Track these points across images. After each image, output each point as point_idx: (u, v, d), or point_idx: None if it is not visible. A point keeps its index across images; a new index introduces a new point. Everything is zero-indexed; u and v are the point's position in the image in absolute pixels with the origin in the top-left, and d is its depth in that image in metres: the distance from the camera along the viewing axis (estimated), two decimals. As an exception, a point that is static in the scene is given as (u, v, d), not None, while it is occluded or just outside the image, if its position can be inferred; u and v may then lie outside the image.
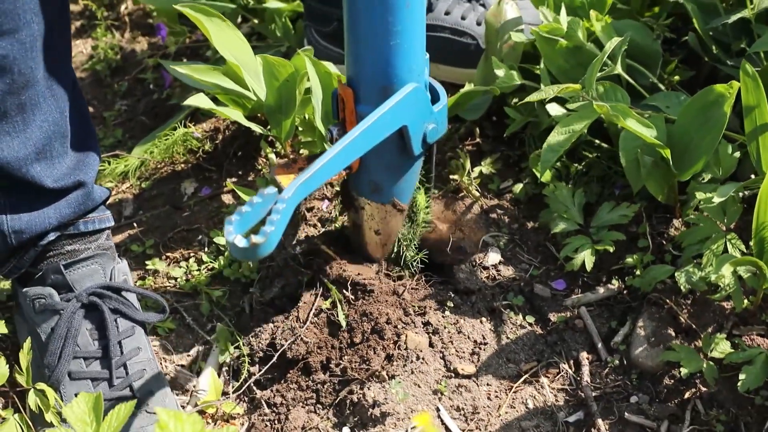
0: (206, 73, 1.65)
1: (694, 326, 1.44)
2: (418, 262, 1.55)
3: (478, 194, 1.69)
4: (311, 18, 1.91)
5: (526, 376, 1.45)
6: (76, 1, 2.46)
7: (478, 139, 1.79)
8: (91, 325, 1.42)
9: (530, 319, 1.53)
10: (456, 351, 1.46)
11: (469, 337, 1.48)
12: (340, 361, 1.44)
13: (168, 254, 1.69)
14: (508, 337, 1.50)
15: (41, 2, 1.24)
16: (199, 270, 1.65)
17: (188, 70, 1.64)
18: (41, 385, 1.33)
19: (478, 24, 1.85)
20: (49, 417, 1.33)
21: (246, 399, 1.47)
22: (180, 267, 1.66)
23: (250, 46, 1.66)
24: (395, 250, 1.53)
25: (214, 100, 1.70)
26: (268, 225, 1.07)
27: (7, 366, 1.37)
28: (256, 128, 1.70)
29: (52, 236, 1.42)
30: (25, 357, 1.37)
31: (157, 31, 2.20)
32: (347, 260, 1.52)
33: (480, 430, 1.39)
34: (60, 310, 1.42)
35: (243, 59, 1.65)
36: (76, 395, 1.32)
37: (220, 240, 1.66)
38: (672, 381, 1.42)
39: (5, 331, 1.52)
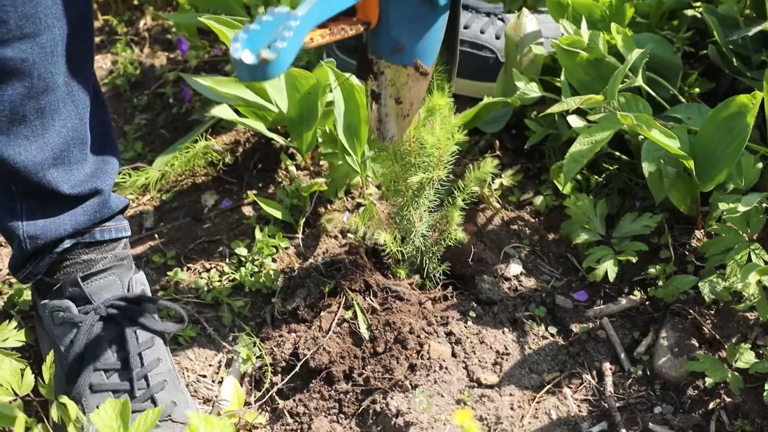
0: (228, 86, 1.67)
1: (717, 336, 1.44)
2: (440, 273, 1.55)
3: (498, 206, 1.69)
4: (330, 32, 1.92)
5: (549, 386, 1.45)
6: (96, 17, 2.48)
7: (498, 152, 1.80)
8: (111, 337, 1.42)
9: (552, 329, 1.53)
10: (479, 361, 1.46)
11: (491, 348, 1.48)
12: (363, 371, 1.44)
13: (189, 265, 1.70)
14: (530, 348, 1.49)
15: (64, 7, 1.24)
16: (220, 281, 1.65)
17: (211, 83, 1.65)
18: (63, 398, 1.33)
19: (497, 38, 1.87)
20: (71, 430, 1.33)
21: (268, 409, 1.47)
22: (201, 278, 1.66)
23: (272, 58, 1.67)
24: (418, 261, 1.53)
25: (236, 112, 1.71)
26: (279, 41, 0.97)
27: (33, 375, 1.38)
28: (278, 139, 1.71)
29: (67, 243, 1.41)
30: (47, 370, 1.37)
31: (177, 45, 2.22)
32: (373, 268, 1.53)
33: (504, 440, 1.39)
34: (79, 322, 1.41)
35: (265, 71, 1.66)
36: (98, 407, 1.32)
37: (241, 251, 1.67)
38: (696, 391, 1.41)
39: (28, 339, 1.53)
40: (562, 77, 1.64)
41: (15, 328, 1.51)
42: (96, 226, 1.44)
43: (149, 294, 1.50)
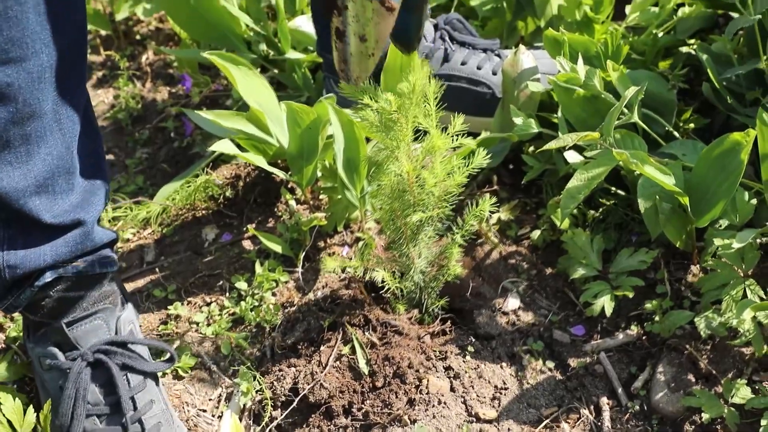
0: (230, 119, 1.68)
1: (714, 372, 1.45)
2: (439, 308, 1.56)
3: (496, 240, 1.71)
4: (329, 70, 1.95)
5: (547, 421, 1.46)
6: (98, 52, 2.51)
7: (495, 187, 1.82)
8: (100, 382, 1.39)
9: (550, 364, 1.54)
10: (477, 396, 1.47)
11: (489, 382, 1.49)
12: (362, 405, 1.45)
13: (190, 299, 1.71)
14: (528, 382, 1.50)
15: (53, 33, 1.21)
16: (220, 315, 1.66)
17: (213, 116, 1.67)
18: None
19: (494, 74, 1.89)
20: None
21: (268, 443, 1.48)
22: (202, 312, 1.67)
23: (274, 93, 1.69)
24: (417, 296, 1.54)
25: (237, 146, 1.73)
26: None
27: (35, 414, 1.38)
28: (279, 173, 1.73)
29: (48, 277, 1.38)
30: (45, 417, 1.37)
31: (181, 81, 2.25)
32: (372, 302, 1.54)
33: (502, 475, 1.39)
34: (66, 369, 1.38)
35: (267, 106, 1.69)
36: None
37: (241, 285, 1.68)
38: (693, 426, 1.42)
39: (29, 372, 1.54)
40: (559, 113, 1.66)
41: (8, 362, 1.52)
42: (78, 259, 1.41)
43: (138, 332, 1.48)
